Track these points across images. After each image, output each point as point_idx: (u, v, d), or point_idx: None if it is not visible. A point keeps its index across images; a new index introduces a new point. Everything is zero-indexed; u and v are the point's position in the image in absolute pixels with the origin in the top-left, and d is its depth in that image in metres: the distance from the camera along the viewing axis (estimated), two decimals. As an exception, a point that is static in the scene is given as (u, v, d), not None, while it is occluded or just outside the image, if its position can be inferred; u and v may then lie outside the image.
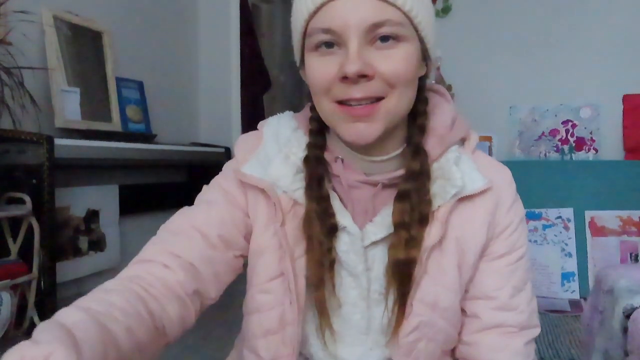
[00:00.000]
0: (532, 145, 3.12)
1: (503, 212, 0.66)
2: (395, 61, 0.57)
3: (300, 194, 0.65)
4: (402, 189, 0.63)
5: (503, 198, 0.67)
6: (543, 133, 3.11)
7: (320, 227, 0.63)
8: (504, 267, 0.67)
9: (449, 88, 3.26)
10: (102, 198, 2.73)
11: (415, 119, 0.66)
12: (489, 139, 3.08)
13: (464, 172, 0.64)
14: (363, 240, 0.65)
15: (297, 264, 0.65)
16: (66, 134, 2.43)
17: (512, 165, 0.74)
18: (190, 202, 0.72)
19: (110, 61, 2.83)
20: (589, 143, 3.02)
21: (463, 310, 0.69)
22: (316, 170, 0.65)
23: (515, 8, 3.17)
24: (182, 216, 0.69)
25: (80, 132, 2.51)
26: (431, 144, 0.65)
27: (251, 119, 3.67)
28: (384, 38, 0.56)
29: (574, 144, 3.05)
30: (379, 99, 0.58)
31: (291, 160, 0.66)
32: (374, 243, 0.65)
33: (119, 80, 2.89)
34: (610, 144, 3.00)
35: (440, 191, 0.63)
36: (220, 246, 0.66)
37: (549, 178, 2.77)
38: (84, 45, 2.70)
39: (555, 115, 3.10)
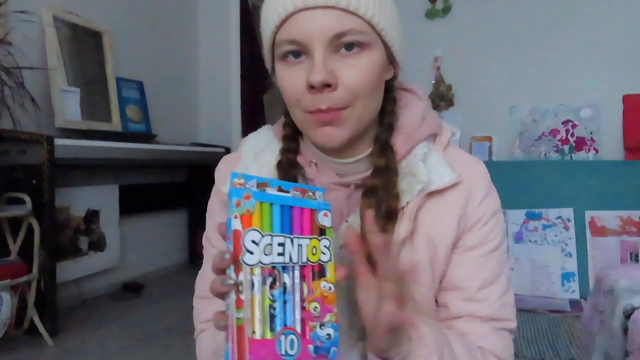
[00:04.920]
0: (532, 146, 3.12)
1: (474, 205, 0.68)
2: (358, 72, 0.59)
3: None
4: (369, 184, 0.65)
5: (474, 191, 0.68)
6: (543, 133, 3.11)
7: None
8: (474, 259, 0.68)
9: (449, 88, 3.27)
10: (102, 198, 2.73)
11: (384, 119, 0.68)
12: (489, 139, 3.08)
13: (431, 167, 0.66)
14: (337, 241, 0.66)
15: None
16: (66, 134, 2.43)
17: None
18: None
19: (110, 61, 2.83)
20: (589, 143, 3.03)
21: (436, 301, 0.70)
22: (289, 174, 0.67)
23: (515, 8, 3.18)
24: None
25: (80, 132, 2.51)
26: (399, 142, 0.67)
27: (251, 119, 3.66)
28: (349, 46, 0.59)
29: (574, 144, 3.05)
30: (343, 108, 0.60)
31: (265, 169, 0.68)
32: None
33: (119, 80, 2.89)
34: (610, 144, 3.00)
35: (408, 187, 0.65)
36: None
37: (549, 178, 2.77)
38: (84, 45, 2.70)
39: (556, 115, 3.10)
